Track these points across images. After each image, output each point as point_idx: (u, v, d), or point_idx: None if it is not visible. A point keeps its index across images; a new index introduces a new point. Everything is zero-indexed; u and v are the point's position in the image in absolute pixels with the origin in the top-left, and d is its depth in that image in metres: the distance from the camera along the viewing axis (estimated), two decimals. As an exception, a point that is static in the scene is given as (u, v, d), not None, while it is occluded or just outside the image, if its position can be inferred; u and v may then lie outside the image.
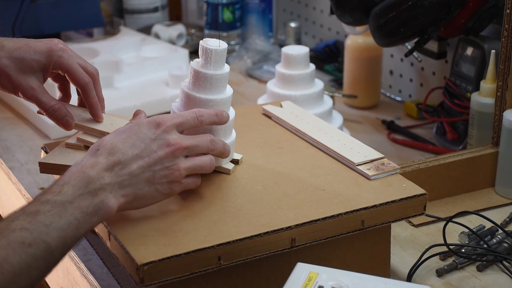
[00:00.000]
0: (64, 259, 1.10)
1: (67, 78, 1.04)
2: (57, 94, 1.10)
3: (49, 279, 1.21)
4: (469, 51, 1.36)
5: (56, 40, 1.03)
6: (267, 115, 1.21)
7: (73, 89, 1.08)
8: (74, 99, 1.10)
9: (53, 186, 0.84)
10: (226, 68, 1.01)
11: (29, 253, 0.78)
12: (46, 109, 1.02)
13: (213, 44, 1.00)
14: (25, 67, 1.01)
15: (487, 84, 1.27)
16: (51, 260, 0.81)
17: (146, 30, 1.94)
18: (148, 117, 0.97)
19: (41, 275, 0.80)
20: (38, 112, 1.04)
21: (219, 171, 1.03)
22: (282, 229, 0.91)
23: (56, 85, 1.09)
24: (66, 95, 1.09)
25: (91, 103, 1.04)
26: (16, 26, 1.67)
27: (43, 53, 1.01)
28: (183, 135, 0.94)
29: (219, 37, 1.02)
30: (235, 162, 1.05)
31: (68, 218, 0.82)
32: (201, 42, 1.00)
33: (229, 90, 1.02)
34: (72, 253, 1.09)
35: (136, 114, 1.04)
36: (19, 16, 1.67)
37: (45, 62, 1.01)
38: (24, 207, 0.82)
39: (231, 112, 1.03)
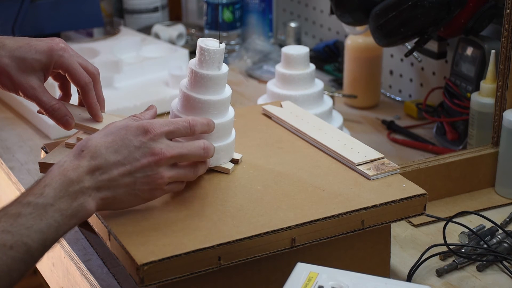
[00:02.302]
0: (64, 259, 1.10)
1: (68, 78, 1.04)
2: (57, 93, 1.10)
3: (49, 279, 1.21)
4: (469, 51, 1.36)
5: (57, 40, 1.03)
6: (267, 115, 1.21)
7: (73, 88, 1.08)
8: (74, 99, 1.10)
9: (34, 188, 0.85)
10: (225, 68, 1.01)
11: (10, 255, 0.79)
12: (46, 108, 1.02)
13: (211, 44, 1.00)
14: (26, 67, 1.01)
15: (487, 84, 1.27)
16: (31, 261, 0.81)
17: (146, 30, 1.94)
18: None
19: (20, 276, 0.80)
20: (38, 112, 1.04)
21: (218, 170, 1.03)
22: (282, 229, 0.91)
23: (56, 84, 1.09)
24: (66, 95, 1.09)
25: (90, 103, 1.04)
26: (16, 26, 1.67)
27: (44, 52, 1.01)
28: (172, 143, 0.93)
29: (219, 37, 1.02)
30: (234, 161, 1.05)
31: (48, 220, 0.83)
32: (198, 41, 1.00)
33: (228, 90, 1.02)
34: (72, 253, 1.09)
35: (148, 109, 1.04)
36: (19, 16, 1.67)
37: (46, 62, 1.01)
38: (5, 209, 0.82)
39: (230, 112, 1.03)
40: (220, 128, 1.01)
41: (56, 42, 1.02)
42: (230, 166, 1.03)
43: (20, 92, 1.02)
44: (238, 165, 1.05)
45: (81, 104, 1.07)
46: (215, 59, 0.99)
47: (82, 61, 1.04)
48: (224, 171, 1.03)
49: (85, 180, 0.87)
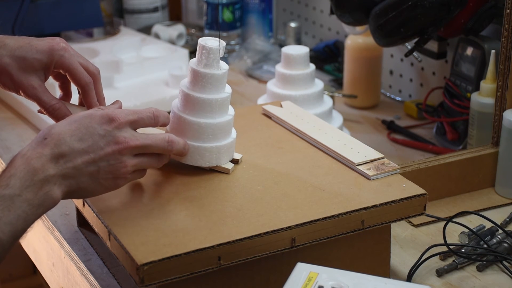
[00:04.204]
0: (64, 259, 1.10)
1: (68, 77, 1.04)
2: (58, 93, 1.10)
3: (49, 279, 1.21)
4: (469, 51, 1.36)
5: (58, 39, 1.03)
6: (267, 115, 1.21)
7: (73, 88, 1.08)
8: (75, 98, 1.10)
9: None
10: (225, 67, 1.01)
11: None
12: (47, 108, 1.02)
13: (211, 43, 1.00)
14: (27, 66, 1.01)
15: (487, 84, 1.27)
16: (2, 253, 0.82)
17: (146, 30, 1.94)
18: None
19: None
20: (39, 111, 1.04)
21: (218, 170, 1.03)
22: (282, 229, 0.91)
23: (56, 83, 1.09)
24: (66, 94, 1.09)
25: (91, 103, 1.04)
26: (16, 26, 1.67)
27: (44, 52, 1.01)
28: (137, 133, 0.94)
29: (219, 37, 1.02)
30: (234, 162, 1.05)
31: (16, 211, 0.83)
32: (199, 41, 1.00)
33: (228, 89, 1.03)
34: (72, 253, 1.09)
35: (113, 104, 1.04)
36: (19, 16, 1.67)
37: (46, 61, 1.01)
38: None
39: (231, 111, 1.04)
40: (220, 127, 1.01)
41: (57, 42, 1.02)
42: (230, 166, 1.03)
43: (20, 92, 1.02)
44: (238, 165, 1.05)
45: (81, 104, 1.07)
46: (215, 58, 0.99)
47: (83, 61, 1.04)
48: (224, 171, 1.03)
49: (50, 168, 0.87)
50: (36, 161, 0.86)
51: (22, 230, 0.84)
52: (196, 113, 1.00)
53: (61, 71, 1.03)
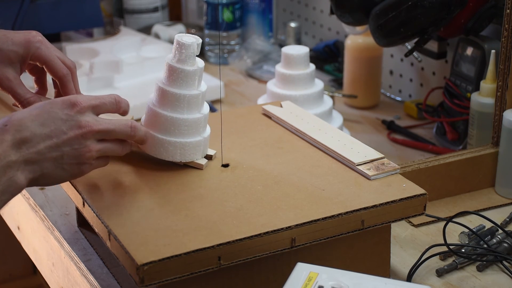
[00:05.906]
0: (64, 259, 1.10)
1: (45, 69, 1.03)
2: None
3: (49, 279, 1.21)
4: (469, 51, 1.36)
5: (34, 32, 1.03)
6: (267, 115, 1.21)
7: (49, 84, 1.07)
8: (50, 94, 1.09)
9: None
10: (200, 63, 1.01)
11: None
12: (21, 101, 1.01)
13: (187, 39, 1.00)
14: (3, 58, 1.00)
15: (487, 84, 1.27)
16: None
17: (146, 30, 1.94)
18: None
19: None
20: (13, 105, 1.04)
21: (191, 166, 1.03)
22: (282, 229, 0.91)
23: (33, 78, 1.08)
24: (42, 88, 1.08)
25: (68, 95, 1.03)
26: (16, 26, 1.67)
27: (21, 44, 1.01)
28: (99, 118, 0.93)
29: (219, 37, 1.02)
30: (208, 157, 1.05)
31: None
32: (176, 36, 1.01)
33: (203, 86, 1.03)
34: (72, 253, 1.09)
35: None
36: (19, 16, 1.67)
37: (22, 53, 1.01)
38: None
39: (205, 108, 1.03)
40: (187, 123, 1.01)
41: (33, 35, 1.02)
42: (203, 162, 1.03)
43: None
44: (238, 165, 1.05)
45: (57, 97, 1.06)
46: (188, 54, 1.00)
47: (59, 54, 1.03)
48: (198, 167, 1.03)
49: (11, 154, 0.86)
50: None
51: None
52: (164, 106, 1.01)
53: (37, 63, 1.03)
